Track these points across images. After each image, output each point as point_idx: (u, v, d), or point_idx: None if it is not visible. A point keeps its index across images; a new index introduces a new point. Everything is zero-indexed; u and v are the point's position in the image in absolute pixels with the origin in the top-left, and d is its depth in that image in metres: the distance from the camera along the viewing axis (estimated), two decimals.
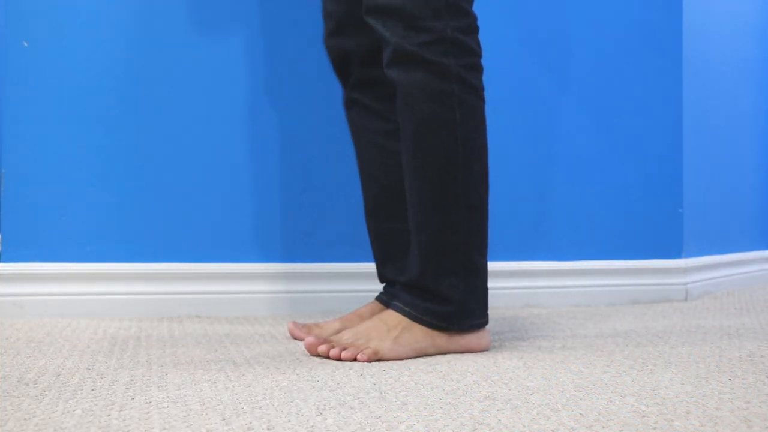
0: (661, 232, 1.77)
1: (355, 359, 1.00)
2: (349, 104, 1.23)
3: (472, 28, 1.07)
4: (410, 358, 1.03)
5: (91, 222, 1.44)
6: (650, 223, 1.76)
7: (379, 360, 1.01)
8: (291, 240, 1.54)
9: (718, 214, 2.01)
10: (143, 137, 1.47)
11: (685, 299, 1.74)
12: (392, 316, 1.06)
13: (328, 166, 1.55)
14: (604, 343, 1.15)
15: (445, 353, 1.07)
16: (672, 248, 1.77)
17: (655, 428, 0.68)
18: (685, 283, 1.75)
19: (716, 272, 1.93)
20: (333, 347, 1.02)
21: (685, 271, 1.76)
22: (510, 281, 1.64)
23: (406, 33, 1.03)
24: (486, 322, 1.10)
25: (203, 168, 1.50)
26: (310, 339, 1.04)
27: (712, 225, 1.96)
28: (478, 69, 1.08)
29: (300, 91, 1.54)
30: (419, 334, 1.05)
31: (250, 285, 1.50)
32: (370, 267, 1.55)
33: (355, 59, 1.19)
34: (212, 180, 1.50)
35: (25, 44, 1.42)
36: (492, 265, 1.63)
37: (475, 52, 1.07)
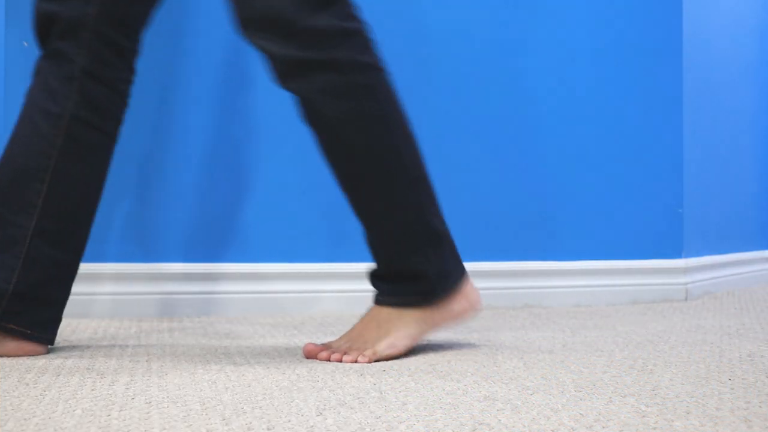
0: (661, 232, 1.77)
1: (356, 362, 1.00)
2: (34, 74, 1.10)
3: (344, 9, 1.02)
4: (411, 347, 1.04)
5: None
6: (650, 223, 1.76)
7: (378, 360, 1.01)
8: (291, 240, 1.54)
9: (718, 214, 2.01)
10: (143, 137, 1.47)
11: (685, 299, 1.74)
12: (379, 312, 1.06)
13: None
14: (604, 343, 1.15)
15: (441, 325, 1.07)
16: (672, 248, 1.77)
17: (655, 428, 0.68)
18: (685, 283, 1.75)
19: (716, 272, 1.93)
20: (333, 353, 1.02)
21: (685, 271, 1.76)
22: (510, 281, 1.63)
23: (289, 40, 0.99)
24: (464, 272, 1.09)
25: (203, 168, 1.50)
26: (309, 346, 1.04)
27: (712, 225, 1.96)
28: (366, 43, 1.03)
29: None
30: (410, 320, 1.05)
31: (250, 285, 1.50)
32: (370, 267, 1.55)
33: (56, 28, 1.06)
34: (212, 180, 1.50)
35: (25, 44, 1.42)
36: (492, 265, 1.64)
37: (358, 30, 1.02)
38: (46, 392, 0.81)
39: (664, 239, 1.77)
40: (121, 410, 0.73)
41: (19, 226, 1.03)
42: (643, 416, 0.72)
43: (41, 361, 0.98)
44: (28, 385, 0.84)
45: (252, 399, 0.78)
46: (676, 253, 1.77)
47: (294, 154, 1.54)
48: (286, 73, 1.01)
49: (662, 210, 1.77)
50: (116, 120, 1.11)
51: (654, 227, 1.76)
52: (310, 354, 1.03)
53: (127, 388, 0.83)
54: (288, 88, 1.03)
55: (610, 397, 0.79)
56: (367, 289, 1.50)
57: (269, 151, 1.53)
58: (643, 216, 1.75)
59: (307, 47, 0.99)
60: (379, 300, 1.07)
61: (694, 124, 1.84)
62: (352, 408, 0.75)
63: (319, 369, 0.95)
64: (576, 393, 0.81)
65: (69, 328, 1.27)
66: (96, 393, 0.81)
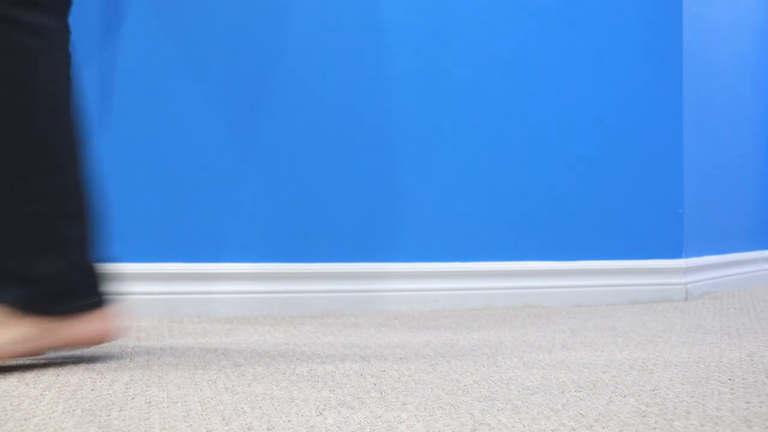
0: (661, 232, 1.77)
1: None
2: None
3: None
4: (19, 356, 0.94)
5: None
6: (650, 223, 1.76)
7: None
8: (291, 240, 1.54)
9: (718, 214, 2.01)
10: (142, 137, 1.47)
11: (685, 299, 1.74)
12: None
13: (328, 166, 1.55)
14: (604, 343, 1.15)
15: (56, 346, 0.95)
16: (672, 248, 1.77)
17: (655, 428, 0.68)
18: (685, 283, 1.75)
19: (716, 272, 1.93)
20: None
21: (685, 271, 1.76)
22: (510, 281, 1.63)
23: None
24: (100, 303, 0.96)
25: (203, 167, 1.50)
26: None
27: (712, 225, 1.96)
28: (30, 4, 0.90)
29: (300, 89, 1.54)
30: (25, 325, 0.92)
31: (250, 285, 1.50)
32: (371, 267, 1.55)
33: None
34: (212, 179, 1.50)
35: None
36: (492, 265, 1.64)
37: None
38: (46, 392, 0.81)
39: (664, 239, 1.77)
40: (121, 410, 0.73)
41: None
42: (643, 416, 0.72)
43: (41, 361, 0.98)
44: (28, 385, 0.84)
45: (252, 399, 0.78)
46: (676, 253, 1.77)
47: (294, 154, 1.54)
48: None
49: (662, 210, 1.77)
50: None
51: (654, 227, 1.76)
52: None
53: (127, 388, 0.83)
54: None
55: (610, 397, 0.79)
56: (367, 289, 1.51)
57: (269, 150, 1.53)
58: (643, 216, 1.75)
59: None
60: None
61: (694, 124, 1.84)
62: (352, 408, 0.75)
63: (319, 369, 0.95)
64: (576, 393, 0.81)
65: None
66: (96, 393, 0.81)
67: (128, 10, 1.46)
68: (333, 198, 1.56)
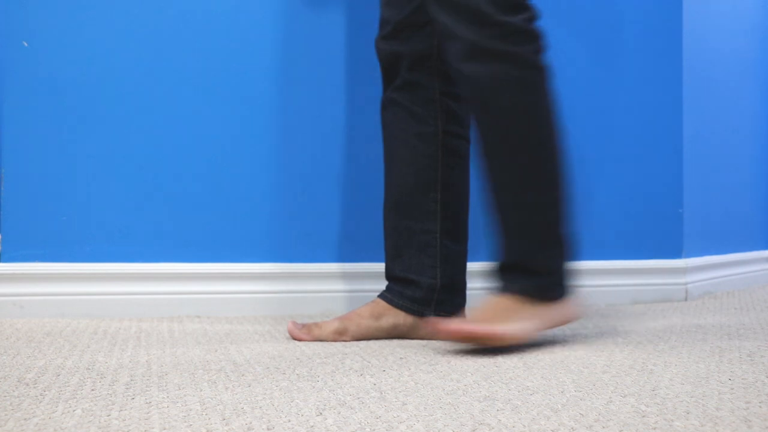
0: (661, 232, 1.77)
1: (472, 335, 1.05)
2: (388, 104, 1.27)
3: (535, 16, 1.13)
4: (526, 339, 1.09)
5: (91, 222, 1.44)
6: (650, 223, 1.76)
7: (501, 340, 1.06)
8: (291, 240, 1.54)
9: (718, 214, 2.01)
10: (143, 137, 1.47)
11: (685, 299, 1.74)
12: (500, 301, 1.11)
13: (328, 166, 1.56)
14: (604, 343, 1.15)
15: (552, 324, 1.13)
16: (672, 248, 1.77)
17: (655, 428, 0.68)
18: (685, 283, 1.75)
19: (716, 272, 1.93)
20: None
21: (685, 271, 1.76)
22: None
23: (482, 29, 1.08)
24: (573, 289, 1.16)
25: (203, 168, 1.50)
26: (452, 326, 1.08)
27: (712, 225, 1.96)
28: (545, 50, 1.14)
29: (301, 90, 1.54)
30: (528, 313, 1.10)
31: (250, 285, 1.50)
32: (370, 267, 1.55)
33: (404, 63, 1.24)
34: (212, 180, 1.50)
35: (25, 44, 1.42)
36: (492, 265, 1.64)
37: (540, 36, 1.13)
38: (46, 392, 0.81)
39: (664, 239, 1.77)
40: (121, 410, 0.73)
41: (428, 232, 1.22)
42: (643, 416, 0.72)
43: (41, 362, 0.98)
44: (28, 385, 0.84)
45: (252, 399, 0.78)
46: (676, 253, 1.77)
47: (294, 154, 1.54)
48: (468, 56, 1.09)
49: (662, 210, 1.77)
50: (469, 126, 1.26)
51: (654, 227, 1.76)
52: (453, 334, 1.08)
53: (127, 388, 0.83)
54: (463, 70, 1.10)
55: (610, 397, 0.79)
56: (367, 289, 1.51)
57: (269, 150, 1.53)
58: (643, 216, 1.75)
59: (495, 37, 1.08)
60: (503, 288, 1.12)
61: (694, 124, 1.84)
62: (352, 408, 0.75)
63: (319, 369, 0.95)
64: (576, 393, 0.81)
65: (69, 328, 1.27)
66: (96, 393, 0.81)
67: None
68: (333, 198, 1.56)
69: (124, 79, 1.46)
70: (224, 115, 1.51)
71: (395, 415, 0.72)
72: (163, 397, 0.79)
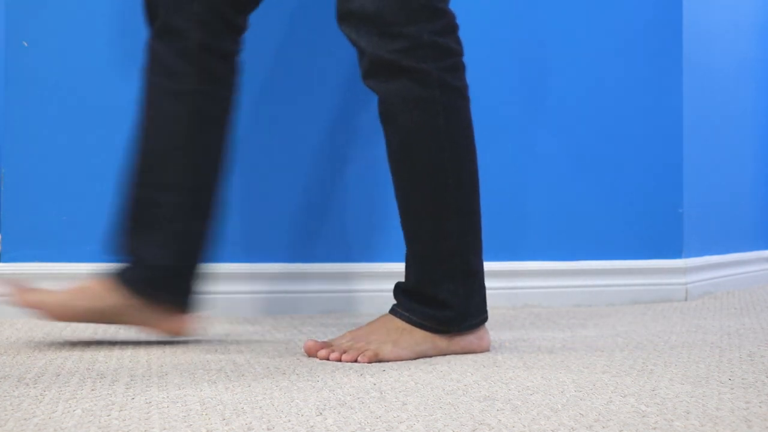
0: (661, 232, 1.77)
1: (356, 361, 1.00)
2: (146, 54, 1.14)
3: (450, 28, 1.04)
4: (410, 359, 1.04)
5: (91, 222, 1.44)
6: (650, 223, 1.76)
7: (379, 361, 1.01)
8: (291, 240, 1.54)
9: (718, 214, 2.01)
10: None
11: (685, 299, 1.74)
12: (392, 321, 1.06)
13: (328, 166, 1.55)
14: (604, 343, 1.15)
15: (446, 353, 1.07)
16: (672, 248, 1.77)
17: (655, 428, 0.68)
18: (685, 283, 1.75)
19: (716, 272, 1.93)
20: (333, 351, 1.02)
21: (685, 271, 1.76)
22: (510, 281, 1.63)
23: (382, 41, 1.00)
24: (485, 319, 1.10)
25: None
26: (309, 342, 1.04)
27: (712, 225, 1.96)
28: (459, 68, 1.06)
29: (301, 89, 1.54)
30: (419, 337, 1.05)
31: (250, 285, 1.50)
32: (370, 267, 1.55)
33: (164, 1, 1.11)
34: None
35: (25, 44, 1.42)
36: (492, 265, 1.64)
37: (455, 52, 1.05)
38: (46, 392, 0.81)
39: (664, 239, 1.77)
40: (121, 410, 0.73)
41: (166, 204, 1.10)
42: (643, 416, 0.72)
43: (41, 362, 0.98)
44: (28, 385, 0.84)
45: (252, 399, 0.78)
46: (676, 253, 1.77)
47: (294, 154, 1.54)
48: (370, 71, 1.03)
49: (662, 210, 1.77)
50: (233, 90, 1.15)
51: (654, 227, 1.76)
52: (310, 351, 1.03)
53: (127, 388, 0.83)
54: (368, 86, 1.05)
55: (610, 397, 0.79)
56: (367, 289, 1.51)
57: (269, 150, 1.52)
58: (643, 216, 1.75)
59: (398, 52, 1.01)
60: (397, 312, 1.07)
61: (694, 124, 1.84)
62: (352, 408, 0.75)
63: (319, 369, 0.95)
64: (576, 393, 0.81)
65: (69, 328, 1.27)
66: (96, 393, 0.81)
67: None
68: (333, 198, 1.56)
69: (124, 79, 1.46)
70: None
71: (395, 415, 0.72)
72: (163, 397, 0.79)
